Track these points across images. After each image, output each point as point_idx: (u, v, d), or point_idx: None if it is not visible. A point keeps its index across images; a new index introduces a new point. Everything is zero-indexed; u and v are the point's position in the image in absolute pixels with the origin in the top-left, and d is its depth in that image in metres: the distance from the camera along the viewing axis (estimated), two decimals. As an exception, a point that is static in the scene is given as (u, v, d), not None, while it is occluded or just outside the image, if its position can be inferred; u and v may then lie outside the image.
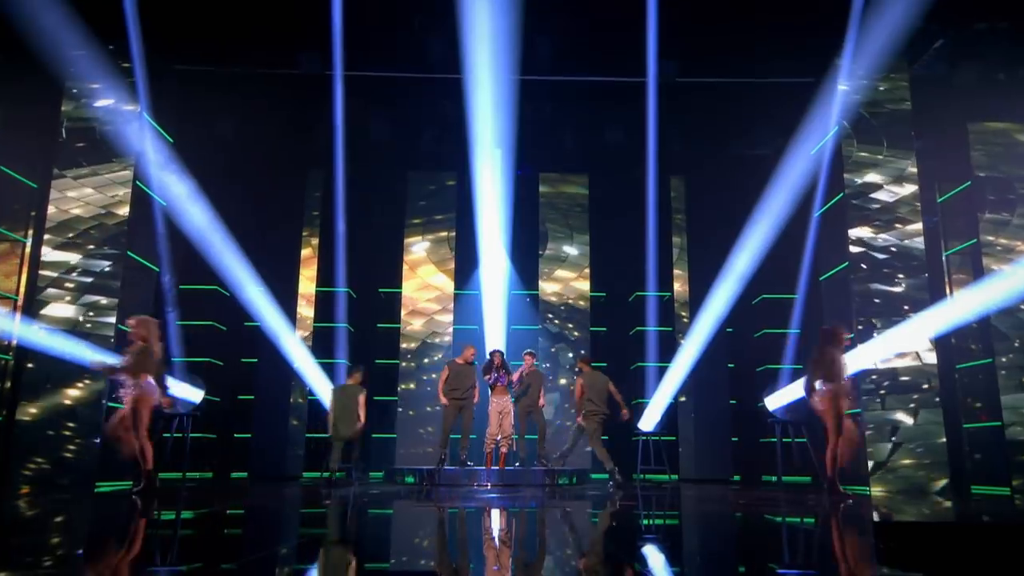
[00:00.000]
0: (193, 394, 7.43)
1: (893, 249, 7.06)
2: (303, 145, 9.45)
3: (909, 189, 7.19)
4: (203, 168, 7.90)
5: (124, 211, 6.91)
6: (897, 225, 7.11)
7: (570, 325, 9.88)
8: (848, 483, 6.85)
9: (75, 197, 6.88)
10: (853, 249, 7.09)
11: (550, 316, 9.90)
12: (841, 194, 7.28)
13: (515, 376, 7.68)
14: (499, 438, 7.58)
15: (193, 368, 7.81)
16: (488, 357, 7.69)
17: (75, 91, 6.96)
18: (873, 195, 7.21)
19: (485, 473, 7.26)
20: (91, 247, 6.80)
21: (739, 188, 9.04)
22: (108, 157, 6.96)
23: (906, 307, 6.88)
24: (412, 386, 9.56)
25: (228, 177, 8.58)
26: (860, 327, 6.91)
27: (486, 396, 7.71)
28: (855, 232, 7.12)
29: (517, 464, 7.59)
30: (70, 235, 6.80)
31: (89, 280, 6.72)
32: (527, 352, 7.87)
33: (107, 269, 6.76)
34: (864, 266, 7.05)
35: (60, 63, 6.70)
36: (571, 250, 10.12)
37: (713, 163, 9.66)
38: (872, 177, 7.23)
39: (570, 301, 9.95)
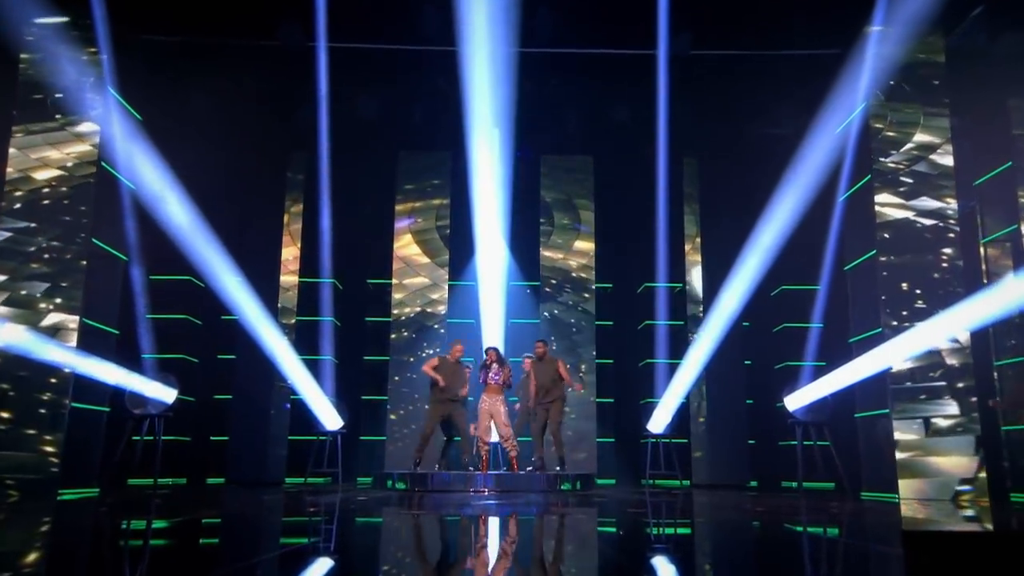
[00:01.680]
0: (165, 393, 7.37)
1: (926, 236, 6.96)
2: (284, 123, 9.35)
3: (943, 171, 7.08)
4: (175, 148, 7.80)
5: (88, 194, 6.80)
6: (930, 210, 7.01)
7: (573, 319, 9.82)
8: (873, 488, 6.81)
9: (34, 179, 6.78)
10: (881, 236, 7.00)
11: (552, 309, 9.85)
12: (868, 176, 7.19)
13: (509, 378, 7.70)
14: (495, 442, 7.57)
15: (165, 365, 7.72)
16: (485, 354, 7.69)
17: (31, 64, 6.83)
18: (903, 178, 7.10)
19: (481, 478, 7.23)
20: (52, 233, 6.68)
21: (757, 170, 8.97)
22: (70, 136, 6.84)
23: (939, 299, 6.78)
24: (403, 384, 9.50)
25: (202, 158, 8.44)
26: (893, 322, 6.82)
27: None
28: (883, 217, 7.02)
29: (529, 468, 7.55)
30: (29, 221, 6.69)
31: (50, 270, 6.63)
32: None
33: (70, 257, 6.66)
34: (893, 254, 6.95)
35: (14, 33, 6.58)
36: (575, 238, 10.06)
37: (729, 143, 9.58)
38: (902, 158, 7.12)
39: (574, 293, 9.89)
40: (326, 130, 8.57)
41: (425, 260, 9.90)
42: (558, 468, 7.62)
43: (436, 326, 9.71)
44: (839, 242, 7.88)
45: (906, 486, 6.40)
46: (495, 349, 7.70)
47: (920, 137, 7.15)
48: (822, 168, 7.70)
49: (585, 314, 9.87)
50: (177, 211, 7.77)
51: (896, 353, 6.69)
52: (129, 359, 7.27)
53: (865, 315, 7.20)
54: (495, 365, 7.53)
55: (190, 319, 8.84)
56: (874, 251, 7.04)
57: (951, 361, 6.67)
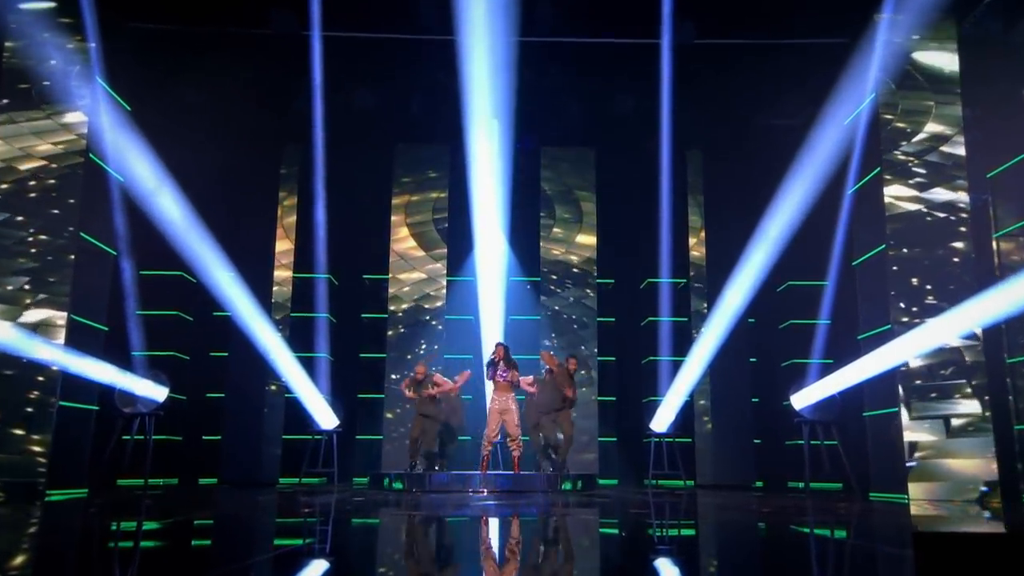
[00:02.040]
0: (156, 392, 7.34)
1: (937, 229, 6.90)
2: (278, 115, 9.28)
3: (955, 163, 7.02)
4: (165, 140, 7.76)
5: (76, 187, 6.74)
6: (941, 203, 6.95)
7: (575, 315, 9.80)
8: (882, 489, 6.79)
9: (19, 170, 6.72)
10: (891, 230, 6.95)
11: (553, 305, 9.82)
12: (878, 168, 7.13)
13: (527, 381, 7.65)
14: (500, 440, 7.55)
15: (155, 363, 7.69)
16: (493, 350, 7.63)
17: (16, 52, 6.77)
18: (914, 170, 7.05)
19: (480, 478, 7.22)
20: (38, 226, 6.63)
21: (763, 163, 8.92)
22: (56, 127, 6.78)
23: (950, 294, 6.73)
24: (400, 382, 9.44)
25: (194, 150, 8.41)
26: (903, 318, 6.77)
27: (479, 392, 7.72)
28: (893, 211, 6.96)
29: (552, 470, 7.55)
30: (14, 213, 6.64)
31: (37, 264, 6.58)
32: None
33: (57, 251, 6.60)
34: (903, 249, 6.91)
35: (-1, 19, 6.54)
36: (576, 232, 10.03)
37: (734, 135, 9.52)
38: (913, 150, 7.06)
39: (575, 288, 9.87)
40: (321, 122, 8.55)
41: (422, 255, 9.86)
42: (551, 469, 7.58)
43: (434, 322, 9.67)
44: (847, 236, 7.83)
45: (916, 487, 6.37)
46: (504, 345, 7.60)
47: (931, 127, 7.09)
48: (830, 160, 7.64)
49: (587, 310, 9.83)
50: (168, 205, 7.73)
51: (906, 350, 6.63)
52: (119, 356, 7.23)
53: (874, 311, 7.15)
54: (502, 363, 7.45)
55: (181, 315, 8.80)
56: (883, 245, 6.99)
57: (963, 358, 6.62)
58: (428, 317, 9.69)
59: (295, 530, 4.32)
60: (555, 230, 10.02)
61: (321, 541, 3.68)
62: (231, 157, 9.22)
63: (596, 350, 9.75)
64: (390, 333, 9.65)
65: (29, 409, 6.28)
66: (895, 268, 6.89)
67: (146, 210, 7.57)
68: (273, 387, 9.04)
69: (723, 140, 9.70)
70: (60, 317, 6.50)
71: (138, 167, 7.43)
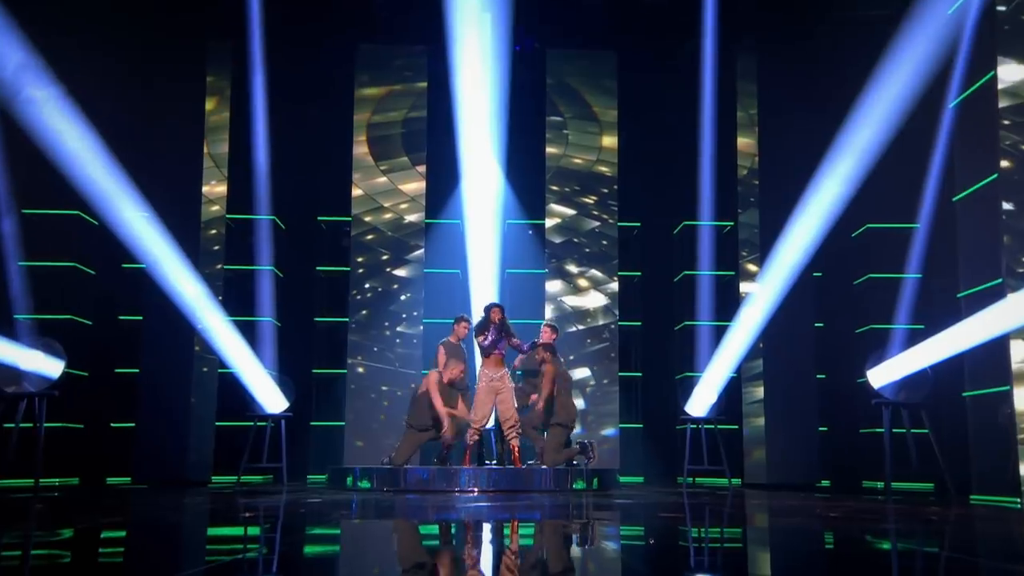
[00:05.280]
0: (47, 366, 7.28)
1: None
2: (200, 4, 9.09)
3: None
4: (51, 35, 7.60)
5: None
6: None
7: (589, 268, 9.80)
8: (986, 491, 6.72)
9: None
10: (1005, 155, 6.78)
11: (560, 255, 9.82)
12: (991, 72, 6.94)
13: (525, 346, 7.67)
14: (487, 427, 7.61)
15: (47, 329, 7.65)
16: (484, 313, 7.61)
17: None
18: (1039, 74, 6.85)
19: (469, 474, 7.25)
20: None
21: (837, 69, 8.84)
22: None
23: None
24: (368, 355, 9.46)
25: (91, 52, 8.29)
26: (1019, 269, 6.63)
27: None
28: (1008, 129, 6.78)
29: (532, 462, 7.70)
30: None
31: None
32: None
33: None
34: (1021, 180, 6.75)
35: None
36: (592, 161, 9.98)
37: (800, 31, 9.40)
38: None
39: (590, 234, 9.87)
40: (259, 13, 8.57)
41: (394, 190, 9.82)
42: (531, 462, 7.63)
43: (410, 277, 9.67)
44: (947, 164, 7.74)
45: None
46: (500, 307, 7.59)
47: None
48: (927, 63, 7.49)
49: (605, 262, 9.84)
50: (58, 123, 7.61)
51: (1021, 312, 6.51)
52: (-4, 320, 7.25)
53: (980, 261, 7.09)
54: (493, 329, 7.39)
55: (80, 268, 8.74)
56: (995, 175, 6.86)
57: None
58: (402, 270, 9.69)
59: (231, 542, 4.26)
60: (565, 159, 10.01)
61: (268, 555, 3.62)
62: (140, 57, 9.10)
63: (617, 313, 9.80)
64: (354, 292, 9.62)
65: None
66: (1009, 206, 6.77)
67: (28, 130, 7.44)
68: (203, 361, 9.00)
69: (785, 38, 9.58)
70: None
71: (14, 72, 7.29)
